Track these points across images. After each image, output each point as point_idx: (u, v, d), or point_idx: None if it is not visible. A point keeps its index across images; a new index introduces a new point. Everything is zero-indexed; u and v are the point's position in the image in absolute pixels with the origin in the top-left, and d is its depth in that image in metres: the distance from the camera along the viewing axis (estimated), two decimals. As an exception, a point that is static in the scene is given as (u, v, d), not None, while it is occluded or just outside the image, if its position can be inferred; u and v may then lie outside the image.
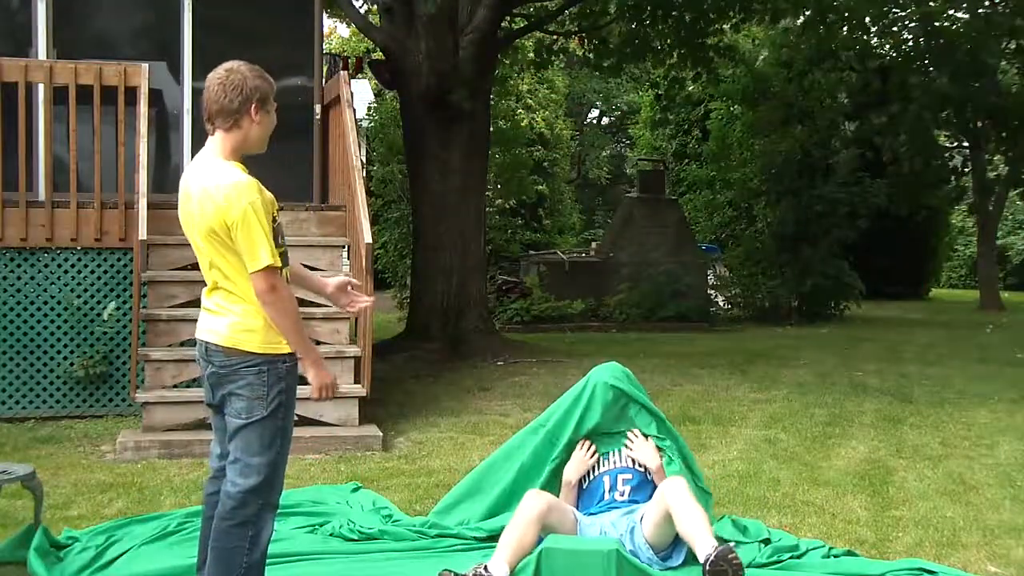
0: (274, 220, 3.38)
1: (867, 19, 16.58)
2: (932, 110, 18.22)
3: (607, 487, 4.29)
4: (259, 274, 3.23)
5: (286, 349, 3.34)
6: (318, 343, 7.13)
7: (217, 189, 3.27)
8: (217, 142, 3.39)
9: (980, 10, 17.13)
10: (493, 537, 4.19)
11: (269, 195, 3.39)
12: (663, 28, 13.38)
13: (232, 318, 3.32)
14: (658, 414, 4.47)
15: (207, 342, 3.36)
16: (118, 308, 7.38)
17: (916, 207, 20.36)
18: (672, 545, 4.03)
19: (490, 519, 4.51)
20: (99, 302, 7.41)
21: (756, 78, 17.94)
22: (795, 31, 16.59)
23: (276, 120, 3.53)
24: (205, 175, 3.34)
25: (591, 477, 4.35)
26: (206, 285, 3.45)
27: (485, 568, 3.78)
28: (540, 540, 3.94)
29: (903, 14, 17.89)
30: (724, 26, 13.87)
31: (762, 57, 18.54)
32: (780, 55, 18.32)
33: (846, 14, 15.02)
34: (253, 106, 3.36)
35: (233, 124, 3.36)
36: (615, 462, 4.34)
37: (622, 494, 4.26)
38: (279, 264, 3.29)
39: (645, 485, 4.27)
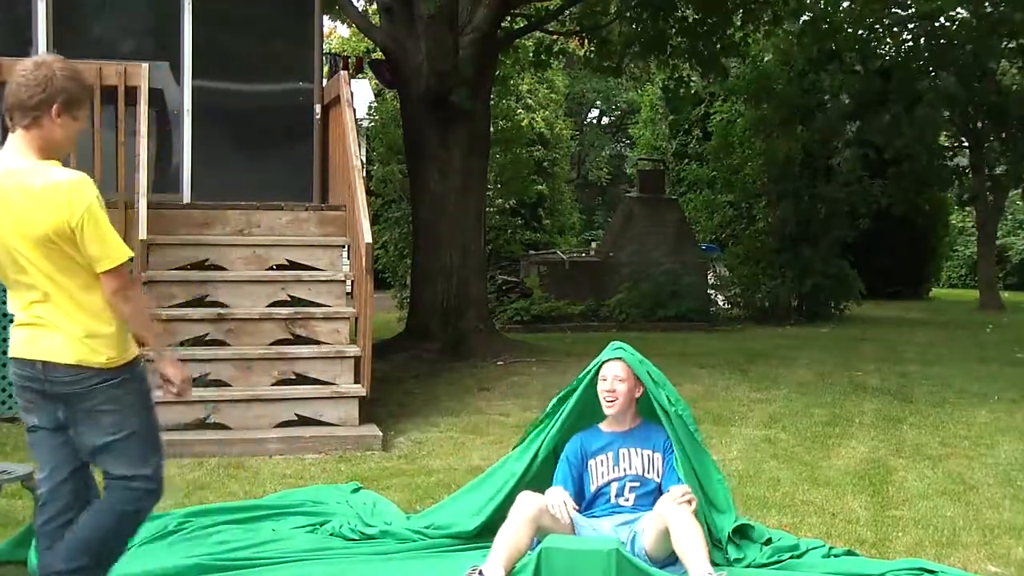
0: None
1: (869, 19, 16.59)
2: (939, 108, 18.21)
3: (613, 493, 4.25)
4: (112, 273, 3.09)
5: (135, 351, 3.25)
6: (318, 343, 7.15)
7: (47, 191, 3.02)
8: (18, 140, 3.12)
9: (984, 7, 17.11)
10: (491, 531, 4.17)
11: None
12: (665, 28, 13.38)
13: (71, 332, 3.08)
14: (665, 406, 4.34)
15: (44, 361, 3.10)
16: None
17: (915, 207, 20.36)
18: (675, 557, 3.99)
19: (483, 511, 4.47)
20: (99, 302, 7.40)
21: (760, 75, 17.95)
22: (795, 32, 16.59)
23: (85, 126, 3.28)
24: (23, 177, 3.05)
25: (599, 482, 4.28)
26: (16, 300, 3.19)
27: (480, 572, 3.78)
28: (537, 542, 3.93)
29: (904, 14, 17.89)
30: (729, 30, 13.87)
31: (766, 59, 18.55)
32: (781, 56, 18.32)
33: (846, 16, 15.03)
34: (55, 107, 3.06)
35: (32, 122, 3.08)
36: (625, 468, 4.27)
37: (627, 500, 4.23)
38: (132, 255, 3.20)
39: (653, 492, 4.23)
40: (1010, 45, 18.58)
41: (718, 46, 13.71)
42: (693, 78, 15.44)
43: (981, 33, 17.30)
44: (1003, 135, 20.01)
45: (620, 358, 4.28)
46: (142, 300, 3.22)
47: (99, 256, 3.07)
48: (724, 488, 4.39)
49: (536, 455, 4.43)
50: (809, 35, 15.53)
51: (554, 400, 4.53)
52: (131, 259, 3.19)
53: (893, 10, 17.48)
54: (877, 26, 17.92)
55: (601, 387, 4.27)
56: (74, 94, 3.10)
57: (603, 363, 4.31)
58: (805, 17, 15.44)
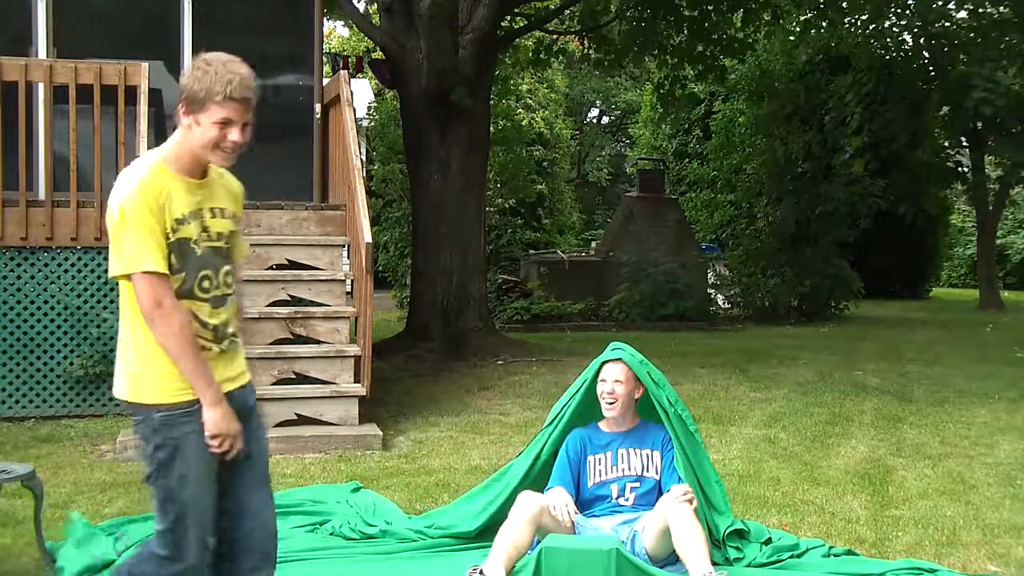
0: (180, 221, 2.80)
1: (865, 17, 16.58)
2: (939, 108, 18.23)
3: (614, 494, 4.25)
4: (142, 283, 2.72)
5: (178, 397, 2.79)
6: (318, 342, 7.15)
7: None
8: None
9: (985, 8, 17.11)
10: (492, 532, 4.17)
11: (196, 196, 2.87)
12: (665, 27, 13.38)
13: (123, 363, 2.86)
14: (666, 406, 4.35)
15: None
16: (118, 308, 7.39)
17: (919, 209, 20.36)
18: (675, 556, 3.99)
19: (485, 512, 4.47)
20: (99, 301, 7.42)
21: (763, 73, 17.96)
22: (796, 32, 16.61)
23: (212, 133, 2.83)
24: None
25: (598, 480, 4.28)
26: None
27: (480, 572, 3.78)
28: (537, 541, 3.92)
29: (906, 14, 17.89)
30: (729, 30, 13.88)
31: (767, 57, 18.58)
32: (781, 56, 18.34)
33: (845, 16, 15.04)
34: (181, 107, 2.83)
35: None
36: (624, 470, 4.27)
37: (627, 500, 4.23)
38: (163, 271, 2.74)
39: (653, 491, 4.23)
40: (1011, 45, 18.57)
41: (718, 47, 13.71)
42: (690, 80, 15.42)
43: (983, 34, 17.30)
44: (1002, 134, 20.00)
45: (620, 359, 4.27)
46: (172, 324, 2.73)
47: (111, 262, 2.77)
48: (722, 490, 4.39)
49: (538, 457, 4.44)
50: (810, 34, 15.54)
51: (555, 408, 4.53)
52: (163, 275, 2.75)
53: (894, 10, 17.47)
54: (873, 25, 17.92)
55: (601, 388, 4.26)
56: (192, 93, 2.76)
57: (603, 364, 4.30)
58: (803, 18, 15.45)
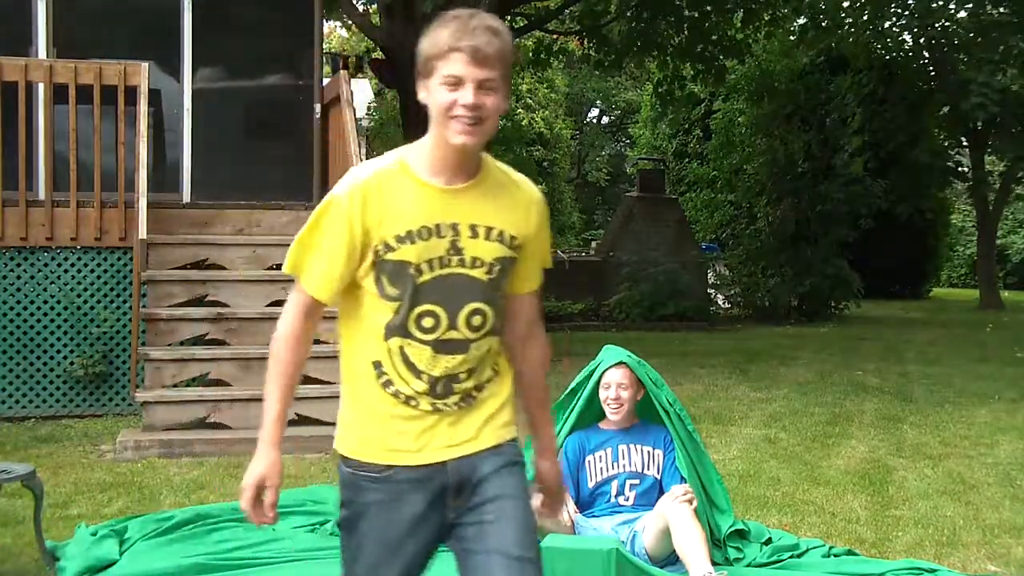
0: (403, 239, 2.13)
1: (863, 19, 16.62)
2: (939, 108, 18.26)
3: (614, 492, 4.24)
4: (293, 291, 2.35)
5: (366, 455, 2.31)
6: (318, 342, 7.14)
7: None
8: None
9: (985, 8, 17.14)
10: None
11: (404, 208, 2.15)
12: (665, 27, 13.38)
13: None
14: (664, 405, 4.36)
15: None
16: (117, 308, 7.40)
17: (918, 210, 20.38)
18: (675, 556, 3.99)
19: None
20: (99, 301, 7.42)
21: (763, 73, 17.97)
22: (795, 32, 16.62)
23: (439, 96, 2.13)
24: None
25: (597, 478, 4.28)
26: None
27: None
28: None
29: (906, 14, 17.92)
30: (729, 31, 13.88)
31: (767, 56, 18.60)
32: (781, 56, 18.35)
33: (845, 16, 15.05)
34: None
35: None
36: (624, 465, 4.28)
37: (627, 499, 4.23)
38: (319, 297, 2.31)
39: (653, 490, 4.23)
40: (1011, 44, 18.60)
41: (718, 47, 13.72)
42: (688, 81, 15.44)
43: (983, 34, 17.32)
44: (1001, 134, 20.02)
45: (623, 363, 4.27)
46: (275, 349, 2.29)
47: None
48: (724, 490, 4.39)
49: None
50: (810, 33, 15.55)
51: (555, 407, 4.51)
52: (316, 302, 2.33)
53: (894, 10, 17.50)
54: (872, 26, 17.95)
55: (605, 394, 4.25)
56: (422, 57, 2.14)
57: (606, 369, 4.29)
58: (801, 21, 15.47)
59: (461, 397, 2.23)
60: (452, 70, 2.06)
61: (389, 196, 2.13)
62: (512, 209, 2.21)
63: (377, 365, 2.24)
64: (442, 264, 2.14)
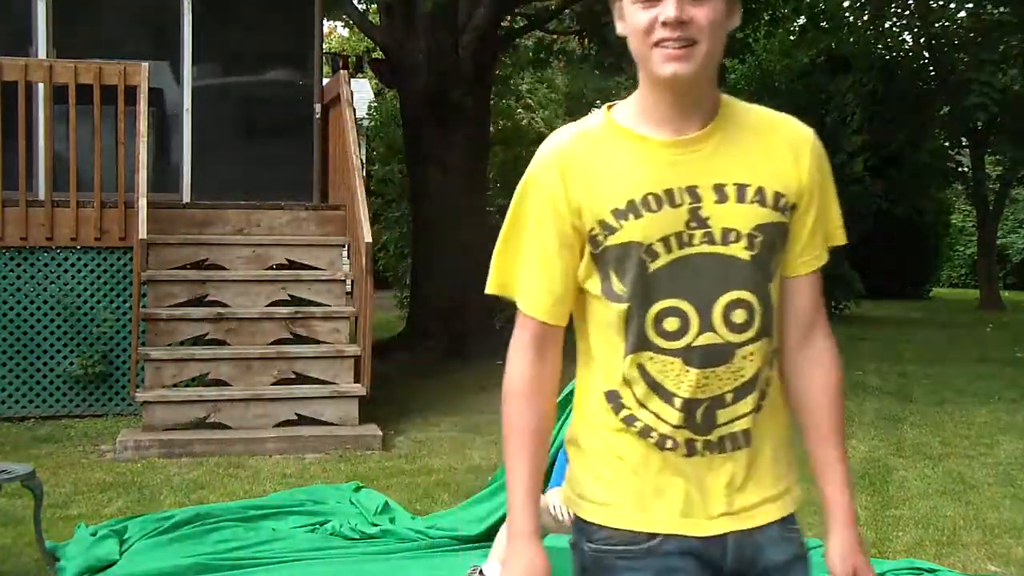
0: (620, 214, 1.56)
1: (863, 19, 16.62)
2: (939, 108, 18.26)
3: None
4: (518, 317, 1.70)
5: (619, 521, 1.62)
6: (318, 342, 7.15)
7: None
8: None
9: (985, 8, 17.14)
10: (493, 533, 4.17)
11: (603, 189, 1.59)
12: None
13: None
14: None
15: None
16: (117, 308, 7.40)
17: (917, 211, 20.38)
18: None
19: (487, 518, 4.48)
20: (99, 301, 7.42)
21: (763, 73, 17.96)
22: (795, 32, 16.62)
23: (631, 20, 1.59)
24: None
25: None
26: None
27: (480, 572, 3.78)
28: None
29: (906, 14, 17.91)
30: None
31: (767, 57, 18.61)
32: (781, 56, 18.36)
33: (845, 15, 15.05)
34: None
35: None
36: None
37: None
38: (541, 318, 1.65)
39: None
40: (1011, 44, 18.59)
41: None
42: None
43: (983, 34, 17.32)
44: (1002, 134, 20.01)
45: None
46: (505, 404, 1.67)
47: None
48: None
49: None
50: (810, 33, 15.55)
51: (560, 400, 4.51)
52: (541, 323, 1.67)
53: (893, 9, 17.49)
54: (872, 27, 17.95)
55: None
56: None
57: None
58: (801, 21, 15.47)
59: (729, 433, 1.63)
60: None
61: (596, 160, 1.58)
62: (772, 156, 1.62)
63: (612, 396, 1.63)
64: (681, 243, 1.56)
